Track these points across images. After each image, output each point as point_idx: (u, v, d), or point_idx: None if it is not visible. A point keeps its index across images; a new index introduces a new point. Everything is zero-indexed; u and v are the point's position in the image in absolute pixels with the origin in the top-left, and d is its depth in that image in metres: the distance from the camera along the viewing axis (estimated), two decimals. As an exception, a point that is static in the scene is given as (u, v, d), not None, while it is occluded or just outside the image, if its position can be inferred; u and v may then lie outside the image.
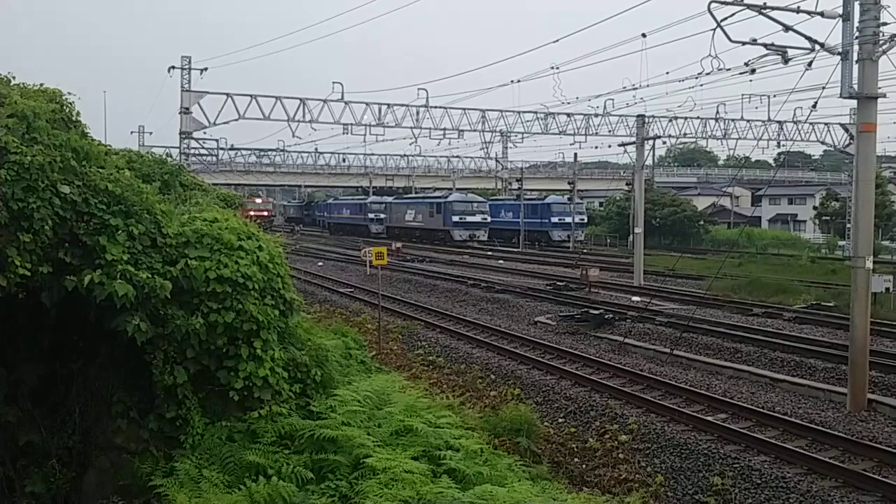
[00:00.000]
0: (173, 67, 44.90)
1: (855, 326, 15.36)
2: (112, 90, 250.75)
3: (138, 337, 8.83)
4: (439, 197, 70.75)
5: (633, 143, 38.29)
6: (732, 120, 53.43)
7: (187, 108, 44.20)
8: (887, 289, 26.41)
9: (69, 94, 10.07)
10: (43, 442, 10.38)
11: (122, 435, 9.74)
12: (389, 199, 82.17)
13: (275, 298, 10.04)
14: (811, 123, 52.30)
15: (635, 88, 41.60)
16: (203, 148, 51.08)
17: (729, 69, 22.88)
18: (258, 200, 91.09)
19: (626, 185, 55.55)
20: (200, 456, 9.02)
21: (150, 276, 8.87)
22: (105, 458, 10.00)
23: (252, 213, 75.85)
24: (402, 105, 49.75)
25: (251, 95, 45.91)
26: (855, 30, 15.10)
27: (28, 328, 10.46)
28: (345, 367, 12.58)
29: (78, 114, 10.02)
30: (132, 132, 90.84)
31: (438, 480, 8.42)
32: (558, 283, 33.20)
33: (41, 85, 10.00)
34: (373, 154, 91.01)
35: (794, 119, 51.03)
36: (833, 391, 15.82)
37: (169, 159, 15.69)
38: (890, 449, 12.22)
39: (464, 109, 53.03)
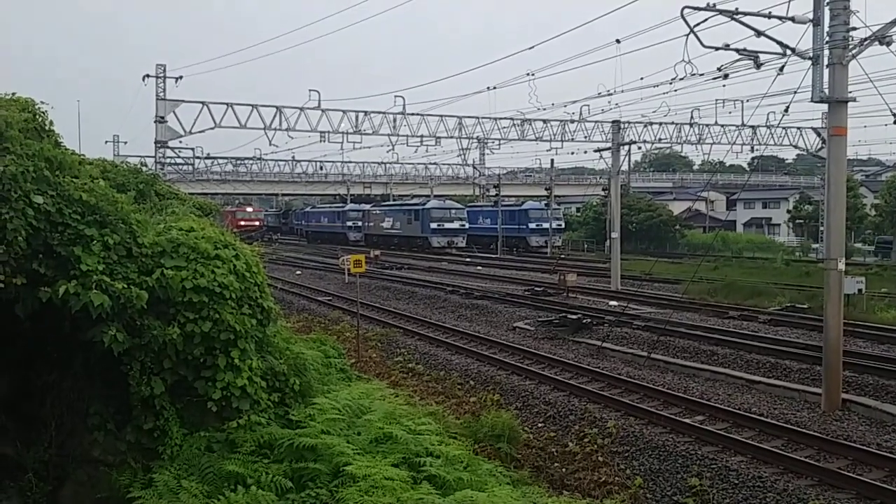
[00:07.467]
0: (148, 76, 44.67)
1: (828, 327, 15.52)
2: (86, 100, 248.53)
3: (115, 347, 8.73)
4: (417, 204, 70.70)
5: (609, 148, 38.55)
6: (706, 125, 53.94)
7: (162, 117, 43.98)
8: (860, 290, 26.84)
9: (42, 103, 9.98)
10: (18, 455, 10.24)
11: (99, 447, 9.63)
12: (367, 206, 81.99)
13: (252, 307, 9.98)
14: (784, 128, 52.89)
15: (610, 94, 42.04)
16: (179, 157, 50.84)
17: (702, 74, 23.22)
18: (249, 209, 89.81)
19: (603, 190, 55.82)
20: (179, 467, 8.95)
21: (125, 286, 8.77)
22: (82, 470, 9.88)
23: (243, 222, 74.96)
24: (379, 112, 49.80)
25: (227, 104, 45.70)
26: (825, 34, 15.28)
27: (0, 339, 10.32)
28: (324, 375, 12.54)
29: (51, 123, 9.89)
30: (107, 142, 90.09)
31: (419, 487, 8.42)
32: (536, 289, 33.35)
33: (13, 94, 9.89)
34: (350, 162, 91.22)
35: (767, 123, 51.56)
36: (808, 392, 15.99)
37: (144, 168, 15.56)
38: (864, 447, 12.38)
39: (441, 116, 53.15)
